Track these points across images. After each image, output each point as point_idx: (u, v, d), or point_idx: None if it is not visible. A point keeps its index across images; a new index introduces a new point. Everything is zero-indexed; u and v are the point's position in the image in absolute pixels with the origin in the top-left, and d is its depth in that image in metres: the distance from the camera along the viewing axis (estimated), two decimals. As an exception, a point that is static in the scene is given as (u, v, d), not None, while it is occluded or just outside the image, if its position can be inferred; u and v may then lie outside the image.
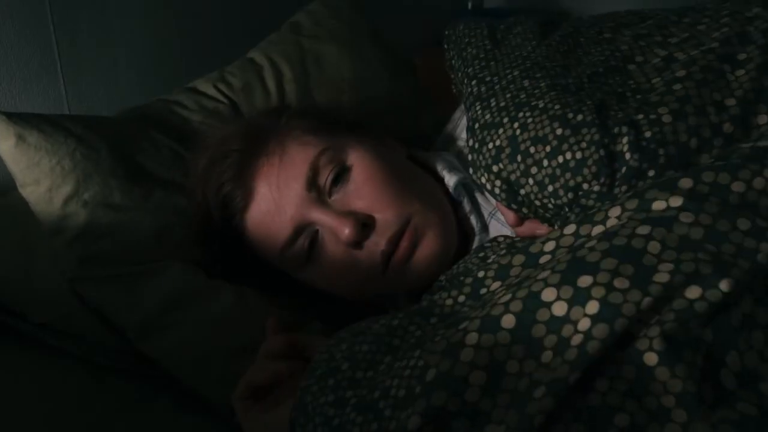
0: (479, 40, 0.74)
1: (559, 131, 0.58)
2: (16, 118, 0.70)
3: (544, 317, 0.43)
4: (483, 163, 0.63)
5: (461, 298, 0.53)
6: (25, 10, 0.91)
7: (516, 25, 0.75)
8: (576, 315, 0.43)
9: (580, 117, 0.57)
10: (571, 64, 0.66)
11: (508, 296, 0.45)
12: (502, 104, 0.63)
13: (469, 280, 0.54)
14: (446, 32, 0.80)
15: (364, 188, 0.69)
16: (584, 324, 0.42)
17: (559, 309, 0.43)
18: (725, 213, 0.45)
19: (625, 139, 0.55)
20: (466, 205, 0.74)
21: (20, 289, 0.72)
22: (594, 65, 0.64)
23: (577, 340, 0.42)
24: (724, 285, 0.42)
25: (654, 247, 0.44)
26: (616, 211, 0.48)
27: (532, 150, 0.59)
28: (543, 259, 0.49)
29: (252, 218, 0.70)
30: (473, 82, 0.69)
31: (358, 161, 0.70)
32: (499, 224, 0.73)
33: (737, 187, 0.46)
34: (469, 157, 0.66)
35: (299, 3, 1.00)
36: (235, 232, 0.72)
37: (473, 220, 0.73)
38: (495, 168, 0.62)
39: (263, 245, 0.71)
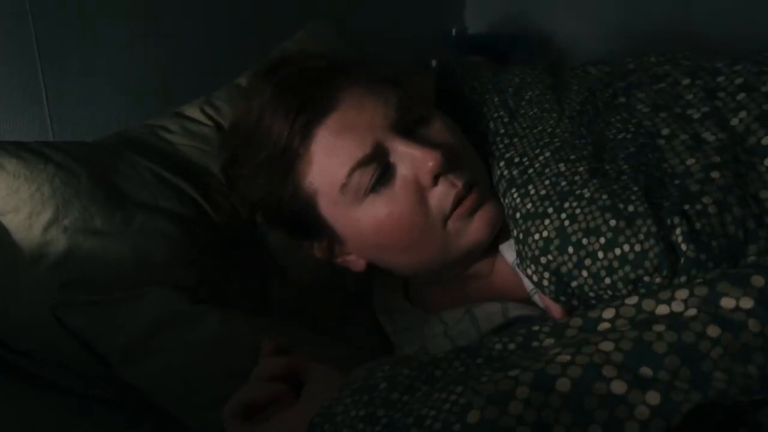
0: (492, 110, 0.75)
1: (612, 222, 0.57)
2: (-6, 146, 0.70)
3: (600, 391, 0.43)
4: (530, 255, 0.62)
5: (511, 346, 0.52)
6: (10, 39, 0.92)
7: (525, 88, 0.75)
8: (634, 398, 0.42)
9: (631, 207, 0.57)
10: (599, 141, 0.65)
11: (567, 358, 0.45)
12: (543, 192, 0.63)
13: (522, 331, 0.52)
14: (439, 74, 0.81)
15: (445, 135, 0.69)
16: (642, 412, 0.41)
17: (618, 388, 0.43)
18: None
19: (678, 230, 0.55)
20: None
21: (2, 317, 0.72)
22: (624, 145, 0.64)
23: (632, 428, 0.41)
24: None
25: (717, 353, 0.43)
26: (683, 294, 0.47)
27: (584, 242, 0.58)
28: (602, 326, 0.48)
29: (328, 130, 0.67)
30: (501, 164, 0.69)
31: (438, 116, 0.71)
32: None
33: None
34: (515, 248, 0.65)
35: (284, 31, 1.01)
36: (295, 152, 0.68)
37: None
38: (543, 260, 0.61)
39: (331, 162, 0.67)
